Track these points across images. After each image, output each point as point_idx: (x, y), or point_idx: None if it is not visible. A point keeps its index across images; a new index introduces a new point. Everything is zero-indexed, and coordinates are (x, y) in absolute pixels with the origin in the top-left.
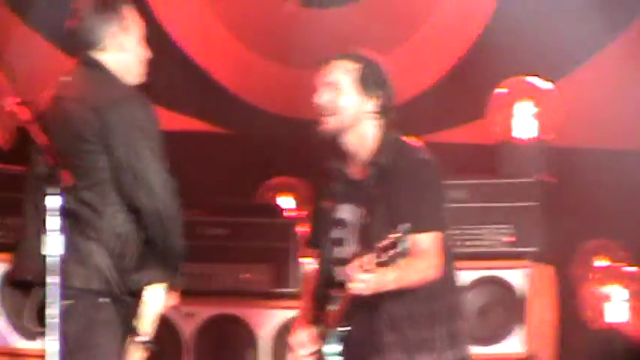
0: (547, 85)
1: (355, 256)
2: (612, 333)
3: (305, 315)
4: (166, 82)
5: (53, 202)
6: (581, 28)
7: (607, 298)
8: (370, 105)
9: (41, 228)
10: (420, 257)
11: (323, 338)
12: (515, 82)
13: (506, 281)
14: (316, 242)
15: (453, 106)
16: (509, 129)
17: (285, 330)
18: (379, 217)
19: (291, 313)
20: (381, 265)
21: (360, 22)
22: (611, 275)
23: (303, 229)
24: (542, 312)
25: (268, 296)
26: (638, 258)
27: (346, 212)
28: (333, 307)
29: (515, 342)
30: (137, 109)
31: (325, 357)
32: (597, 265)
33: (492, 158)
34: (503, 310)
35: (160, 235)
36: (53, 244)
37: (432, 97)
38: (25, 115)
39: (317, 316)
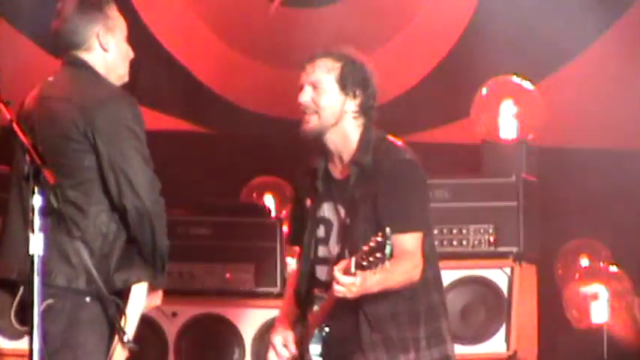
0: (528, 85)
1: (337, 256)
2: (597, 332)
3: (286, 314)
4: (150, 82)
5: (37, 201)
6: (565, 27)
7: (593, 297)
8: (352, 104)
9: (25, 227)
10: (404, 258)
11: (305, 339)
12: (497, 81)
13: (488, 281)
14: (297, 239)
15: (436, 106)
16: (492, 129)
17: (269, 329)
18: (361, 218)
19: (275, 313)
20: (364, 268)
21: (343, 21)
22: (594, 275)
23: (287, 229)
24: (525, 311)
25: (253, 296)
26: (621, 257)
27: (327, 211)
28: (315, 308)
29: (497, 341)
30: (123, 109)
31: (309, 357)
32: (580, 265)
33: (475, 158)
34: (486, 309)
35: (145, 234)
36: (37, 244)
37: (415, 97)
38: (8, 114)
39: (298, 316)
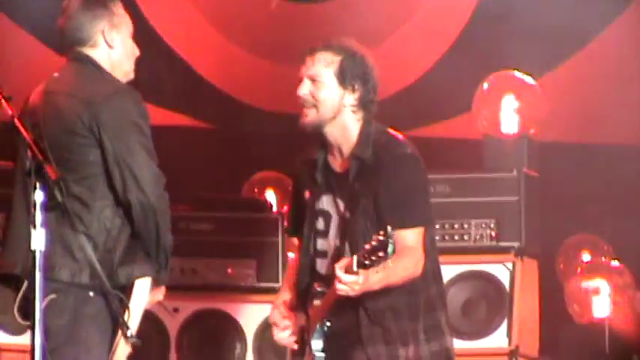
0: (530, 80)
1: (337, 249)
2: (598, 327)
3: (285, 301)
4: (151, 77)
5: (38, 197)
6: (566, 23)
7: (594, 292)
8: (351, 98)
9: (28, 222)
10: (406, 255)
11: (307, 334)
12: (499, 76)
13: (490, 275)
14: (295, 231)
15: (437, 101)
16: (493, 123)
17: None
18: (361, 212)
19: None
20: (367, 267)
21: (344, 16)
22: (595, 269)
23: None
24: (527, 306)
25: (254, 291)
26: (622, 252)
27: (327, 204)
28: (316, 302)
29: (499, 336)
30: (129, 104)
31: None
32: (582, 260)
33: (476, 153)
34: (488, 304)
35: (149, 229)
36: (39, 239)
37: (416, 92)
38: (9, 109)
39: (298, 306)
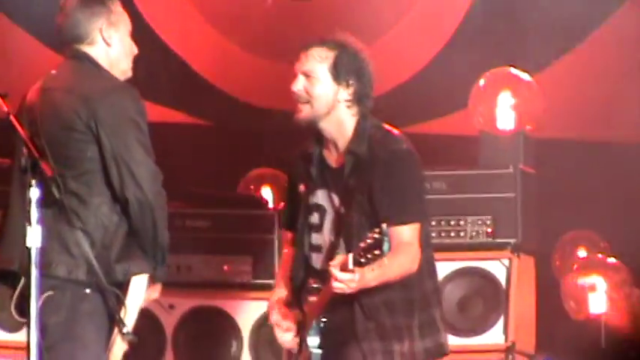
0: (526, 77)
1: (332, 244)
2: (595, 323)
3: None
4: (147, 74)
5: (34, 194)
6: (563, 19)
7: (590, 288)
8: (345, 93)
9: (25, 219)
10: (401, 252)
11: (303, 330)
12: (495, 73)
13: (486, 272)
14: (289, 225)
15: (434, 97)
16: (490, 120)
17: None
18: (356, 207)
19: None
20: (362, 265)
21: (340, 13)
22: (592, 266)
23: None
24: (523, 303)
25: (250, 288)
26: (619, 249)
27: (321, 198)
28: (312, 299)
29: (495, 333)
30: (127, 101)
31: (308, 350)
32: (578, 256)
33: (473, 149)
34: (484, 301)
35: (146, 226)
36: (35, 236)
37: (413, 88)
38: (5, 107)
39: (293, 301)
